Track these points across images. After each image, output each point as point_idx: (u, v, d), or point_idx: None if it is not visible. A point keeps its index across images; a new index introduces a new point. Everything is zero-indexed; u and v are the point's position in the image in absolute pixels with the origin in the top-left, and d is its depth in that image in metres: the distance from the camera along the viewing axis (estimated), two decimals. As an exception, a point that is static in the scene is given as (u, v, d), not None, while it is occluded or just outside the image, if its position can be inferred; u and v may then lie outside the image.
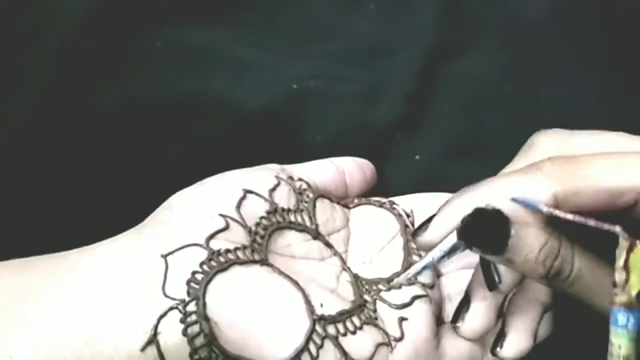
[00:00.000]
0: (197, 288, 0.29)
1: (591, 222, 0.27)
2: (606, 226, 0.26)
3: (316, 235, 0.35)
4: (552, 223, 0.29)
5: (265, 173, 0.35)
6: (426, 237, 0.32)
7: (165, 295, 0.29)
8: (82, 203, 0.41)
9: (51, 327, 0.28)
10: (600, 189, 0.28)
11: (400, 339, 0.32)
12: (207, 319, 0.29)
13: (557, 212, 0.28)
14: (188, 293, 0.29)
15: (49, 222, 0.40)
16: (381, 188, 0.41)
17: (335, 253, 0.35)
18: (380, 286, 0.34)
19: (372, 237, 0.37)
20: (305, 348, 0.30)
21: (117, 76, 0.45)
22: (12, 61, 0.45)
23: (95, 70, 0.45)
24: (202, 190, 0.33)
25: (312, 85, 0.45)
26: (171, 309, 0.29)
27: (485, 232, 0.28)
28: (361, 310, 0.33)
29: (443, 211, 0.31)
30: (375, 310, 0.33)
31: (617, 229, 0.26)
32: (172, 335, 0.28)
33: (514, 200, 0.29)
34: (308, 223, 0.35)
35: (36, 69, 0.44)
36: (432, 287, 0.35)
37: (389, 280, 0.35)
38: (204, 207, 0.32)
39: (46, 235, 0.39)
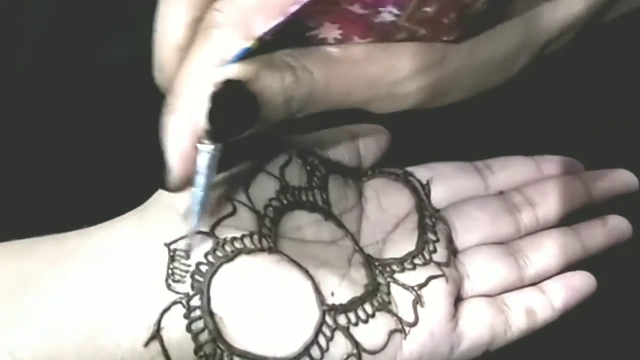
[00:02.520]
0: (202, 281, 0.28)
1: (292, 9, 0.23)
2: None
3: (328, 216, 0.33)
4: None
5: (275, 148, 0.33)
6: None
7: (169, 289, 0.28)
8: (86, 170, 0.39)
9: (52, 322, 0.27)
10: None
11: (414, 323, 0.31)
12: (211, 314, 0.28)
13: (265, 29, 0.23)
14: (192, 286, 0.28)
15: (50, 188, 0.39)
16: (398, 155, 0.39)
17: (347, 234, 0.34)
18: (394, 267, 0.33)
19: (385, 214, 0.35)
20: (314, 341, 0.29)
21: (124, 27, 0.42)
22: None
23: (100, 23, 0.42)
24: None
25: None
26: (174, 303, 0.28)
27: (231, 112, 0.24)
28: (374, 295, 0.31)
29: None
30: (389, 294, 0.32)
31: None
32: (175, 330, 0.28)
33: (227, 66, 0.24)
34: (320, 202, 0.33)
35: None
36: (447, 265, 0.34)
37: (402, 260, 0.33)
38: None
39: (47, 202, 0.38)
